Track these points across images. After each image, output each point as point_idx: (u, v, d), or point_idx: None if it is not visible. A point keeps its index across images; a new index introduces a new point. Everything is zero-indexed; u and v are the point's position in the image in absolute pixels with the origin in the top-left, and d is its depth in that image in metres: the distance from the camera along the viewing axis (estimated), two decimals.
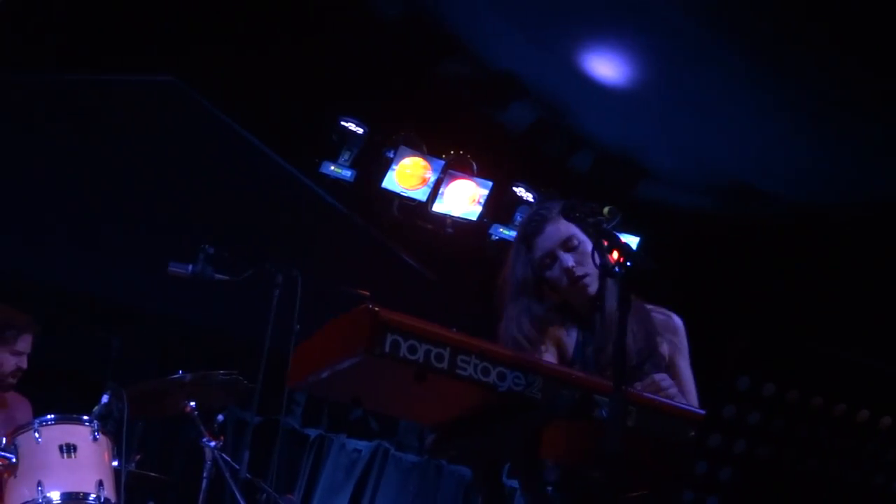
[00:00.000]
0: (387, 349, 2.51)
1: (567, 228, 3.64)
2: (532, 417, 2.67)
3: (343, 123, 7.24)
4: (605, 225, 3.02)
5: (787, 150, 7.13)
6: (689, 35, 6.36)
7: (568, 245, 3.64)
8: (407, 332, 2.54)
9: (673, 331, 3.73)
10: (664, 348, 3.69)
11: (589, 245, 3.48)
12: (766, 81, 6.58)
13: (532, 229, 3.72)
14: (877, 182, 7.14)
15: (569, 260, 3.61)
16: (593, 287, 3.60)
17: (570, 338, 3.61)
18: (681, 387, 3.55)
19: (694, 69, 6.70)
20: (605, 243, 2.86)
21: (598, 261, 2.88)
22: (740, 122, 7.06)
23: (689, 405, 2.87)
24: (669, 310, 3.79)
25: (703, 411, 2.74)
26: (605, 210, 3.11)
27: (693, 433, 2.75)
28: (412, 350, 2.54)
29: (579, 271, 3.59)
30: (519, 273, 3.69)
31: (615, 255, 2.81)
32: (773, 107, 6.79)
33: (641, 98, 7.10)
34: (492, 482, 2.92)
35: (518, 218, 7.48)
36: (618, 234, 2.93)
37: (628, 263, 2.71)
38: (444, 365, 2.56)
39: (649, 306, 3.75)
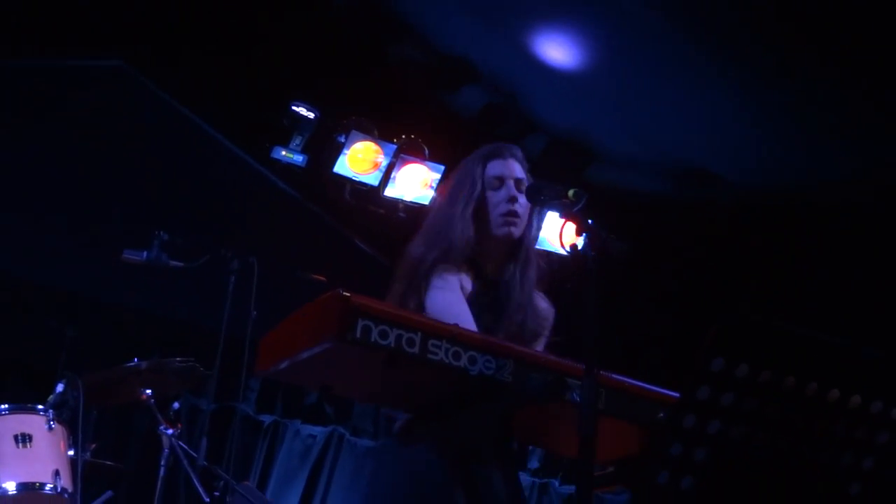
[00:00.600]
0: (358, 335, 2.50)
1: (522, 173, 3.70)
2: (503, 401, 2.66)
3: (294, 108, 7.18)
4: (572, 208, 3.02)
5: (738, 134, 7.16)
6: (641, 19, 6.36)
7: (519, 185, 3.67)
8: (378, 317, 2.53)
9: (546, 318, 3.73)
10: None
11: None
12: (718, 66, 6.60)
13: (494, 152, 3.75)
14: (827, 165, 7.21)
15: (516, 192, 3.64)
16: (517, 232, 3.64)
17: (467, 285, 3.59)
18: None
19: (646, 53, 6.71)
20: (575, 226, 2.85)
21: (563, 243, 2.87)
22: (692, 106, 7.09)
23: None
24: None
25: (673, 393, 2.75)
26: (571, 193, 3.10)
27: (661, 415, 2.76)
28: (383, 335, 2.53)
29: (519, 208, 3.61)
30: (468, 184, 3.69)
31: (583, 238, 2.79)
32: (724, 91, 6.82)
33: (593, 82, 7.10)
34: (463, 466, 2.91)
35: None
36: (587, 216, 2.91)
37: (600, 248, 2.71)
38: (416, 350, 2.56)
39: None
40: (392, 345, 2.53)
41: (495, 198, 3.65)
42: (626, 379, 2.80)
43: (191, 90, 6.83)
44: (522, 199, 3.65)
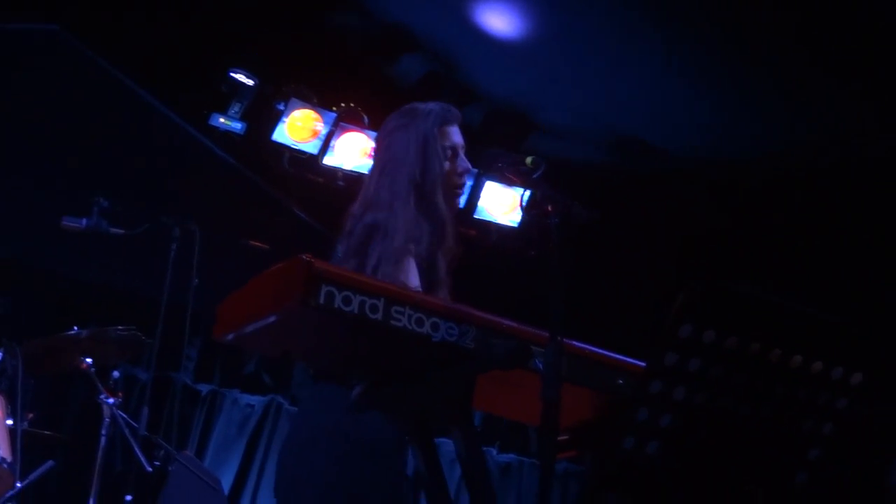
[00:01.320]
0: (321, 300, 2.46)
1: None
2: (466, 367, 2.65)
3: (233, 75, 7.09)
4: (531, 176, 3.01)
5: (676, 103, 7.21)
6: None
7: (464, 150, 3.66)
8: (342, 283, 2.49)
9: None
10: None
11: None
12: (658, 36, 6.63)
13: (449, 117, 3.68)
14: (766, 135, 7.28)
15: (466, 162, 3.61)
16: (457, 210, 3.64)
17: None
18: None
19: (586, 23, 6.72)
20: (537, 194, 2.83)
21: (525, 212, 2.86)
22: (631, 76, 7.11)
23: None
24: None
25: (637, 361, 2.75)
26: (529, 160, 3.08)
27: (621, 382, 2.77)
28: (347, 301, 2.49)
29: (466, 178, 3.58)
30: (439, 158, 3.60)
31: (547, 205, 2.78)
32: (663, 62, 6.85)
33: (533, 51, 7.09)
34: (422, 434, 2.90)
35: None
36: (547, 184, 2.90)
37: (564, 214, 2.70)
38: (379, 316, 2.53)
39: None
40: (356, 311, 2.50)
41: (450, 170, 3.62)
42: (586, 346, 2.80)
43: (128, 56, 6.71)
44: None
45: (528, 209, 2.86)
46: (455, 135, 3.66)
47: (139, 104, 6.81)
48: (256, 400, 8.81)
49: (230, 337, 2.74)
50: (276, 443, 8.72)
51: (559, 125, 7.78)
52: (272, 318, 2.56)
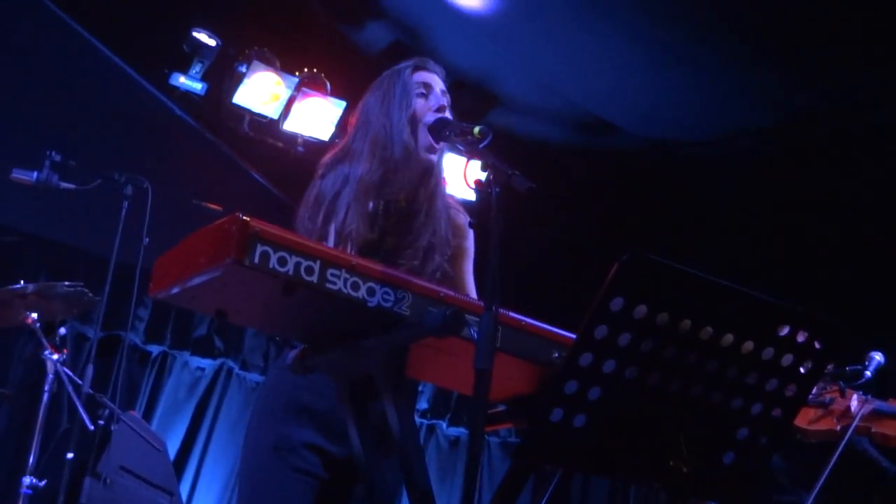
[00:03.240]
0: (256, 260, 2.45)
1: (444, 86, 3.67)
2: (400, 333, 2.64)
3: (195, 35, 7.03)
4: (477, 145, 3.00)
5: (638, 84, 7.22)
6: None
7: (442, 94, 3.65)
8: (277, 243, 2.48)
9: (465, 235, 3.71)
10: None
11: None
12: (621, 15, 6.63)
13: (420, 64, 3.70)
14: (724, 117, 7.31)
15: (439, 98, 3.61)
16: (435, 159, 3.60)
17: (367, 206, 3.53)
18: (463, 289, 3.59)
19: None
20: (480, 162, 2.83)
21: (467, 180, 2.85)
22: (593, 54, 7.11)
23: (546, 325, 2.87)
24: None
25: (570, 334, 2.75)
26: (476, 130, 3.09)
27: (556, 354, 2.77)
28: (282, 262, 2.48)
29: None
30: (401, 90, 3.60)
31: (487, 174, 2.77)
32: (625, 40, 6.86)
33: (498, 25, 7.09)
34: (355, 398, 2.89)
35: None
36: (493, 155, 2.89)
37: (504, 184, 2.70)
38: (314, 278, 2.52)
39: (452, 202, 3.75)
40: (290, 272, 2.48)
41: (423, 106, 3.60)
42: (523, 318, 2.80)
43: (89, 11, 6.64)
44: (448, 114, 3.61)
45: (469, 179, 2.83)
46: (427, 76, 3.66)
47: (98, 59, 6.75)
48: (207, 363, 8.77)
49: (165, 294, 2.72)
50: (226, 407, 8.71)
51: (521, 100, 7.77)
52: (207, 276, 2.54)
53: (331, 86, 7.45)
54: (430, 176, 3.60)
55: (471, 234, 3.70)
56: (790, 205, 7.54)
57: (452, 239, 3.62)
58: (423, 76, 3.66)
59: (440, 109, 3.57)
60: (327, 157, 3.69)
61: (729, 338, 2.50)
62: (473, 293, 3.60)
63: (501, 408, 3.16)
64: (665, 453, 2.56)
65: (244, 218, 2.46)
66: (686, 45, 6.68)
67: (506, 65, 7.57)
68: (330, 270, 2.54)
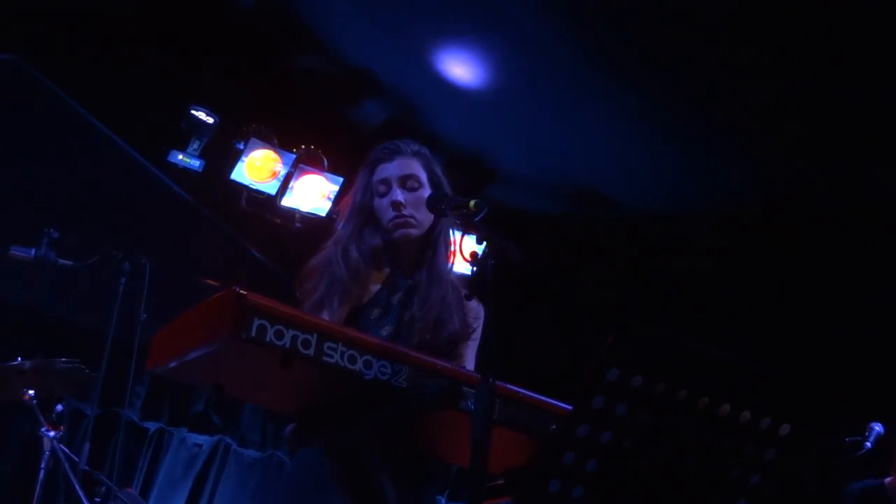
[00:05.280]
0: (253, 333, 2.45)
1: (413, 168, 3.66)
2: (397, 407, 2.64)
3: (193, 112, 7.10)
4: (473, 218, 3.02)
5: (632, 157, 7.28)
6: (544, 43, 6.44)
7: (406, 182, 3.64)
8: (274, 316, 2.48)
9: (476, 317, 3.68)
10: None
11: (426, 193, 3.56)
12: (615, 91, 6.71)
13: (381, 155, 3.70)
14: (717, 191, 7.36)
15: (399, 195, 3.60)
16: (416, 232, 3.61)
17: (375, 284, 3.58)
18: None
19: (547, 77, 6.79)
20: (476, 236, 2.85)
21: (462, 254, 2.87)
22: (589, 129, 7.19)
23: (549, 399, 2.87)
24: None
25: (567, 406, 2.75)
26: (472, 203, 3.10)
27: (554, 426, 2.76)
28: (279, 335, 2.48)
29: (406, 210, 3.58)
30: (358, 197, 3.66)
31: (484, 247, 2.79)
32: (621, 116, 6.93)
33: (495, 101, 7.16)
34: (354, 474, 2.88)
35: None
36: (488, 228, 2.91)
37: (500, 256, 2.71)
38: (311, 351, 2.52)
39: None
40: (287, 345, 2.49)
41: (381, 205, 3.63)
42: (520, 389, 2.80)
43: (89, 89, 6.69)
44: (416, 195, 3.62)
45: (465, 252, 2.85)
46: (385, 170, 3.66)
47: (98, 137, 6.78)
48: (204, 440, 8.74)
49: (163, 368, 2.72)
50: (223, 483, 8.65)
51: (518, 175, 7.82)
52: (204, 351, 2.55)
53: (328, 162, 7.50)
54: (426, 250, 3.64)
55: (482, 318, 3.65)
56: (790, 276, 7.56)
57: (473, 322, 3.62)
58: (383, 171, 3.66)
59: (395, 206, 3.59)
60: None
61: (726, 408, 2.50)
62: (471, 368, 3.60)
63: (500, 481, 3.15)
64: None
65: (241, 291, 2.47)
66: (683, 122, 6.75)
67: (503, 139, 7.63)
68: (327, 343, 2.54)
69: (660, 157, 7.13)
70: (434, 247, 3.65)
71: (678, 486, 2.55)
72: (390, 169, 3.65)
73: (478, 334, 3.66)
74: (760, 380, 2.53)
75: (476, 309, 3.66)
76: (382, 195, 3.62)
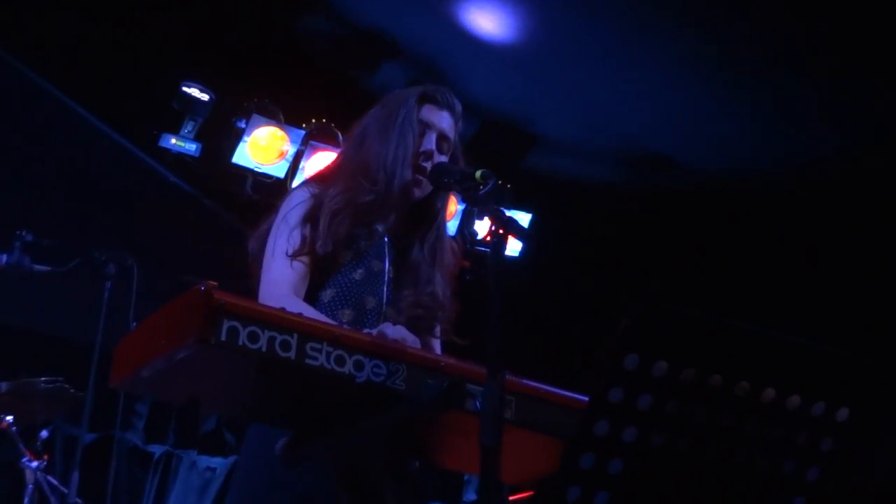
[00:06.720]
0: (223, 337, 2.44)
1: (453, 132, 3.73)
2: (395, 412, 2.63)
3: (185, 89, 7.12)
4: (478, 191, 3.02)
5: (691, 115, 7.24)
6: None
7: (442, 143, 3.70)
8: (246, 316, 2.47)
9: (444, 306, 3.70)
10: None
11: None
12: (668, 43, 6.65)
13: (436, 95, 3.75)
14: (784, 150, 7.30)
15: (432, 143, 3.66)
16: (418, 194, 3.66)
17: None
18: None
19: (591, 21, 6.71)
20: (479, 212, 2.84)
21: (466, 231, 2.87)
22: (642, 86, 7.13)
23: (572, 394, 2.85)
24: None
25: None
26: (478, 174, 3.09)
27: None
28: (253, 338, 2.47)
29: (427, 164, 3.63)
30: (402, 113, 3.67)
31: (489, 224, 2.78)
32: (677, 70, 6.87)
33: (531, 56, 7.13)
34: (352, 489, 2.89)
35: None
36: (493, 201, 2.91)
37: (505, 234, 2.70)
38: (292, 354, 2.50)
39: None
40: (264, 349, 2.48)
41: (414, 147, 3.67)
42: (541, 385, 2.78)
43: (66, 70, 6.74)
44: (440, 158, 3.67)
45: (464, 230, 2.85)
46: (431, 113, 3.71)
47: (77, 123, 6.83)
48: (218, 462, 8.78)
49: (128, 382, 2.73)
50: None
51: (563, 139, 7.80)
52: (170, 359, 2.53)
53: (342, 136, 7.50)
54: (425, 221, 3.68)
55: (449, 310, 3.70)
56: (866, 244, 7.49)
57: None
58: (427, 113, 3.71)
59: (426, 155, 3.61)
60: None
61: (770, 392, 2.47)
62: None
63: (529, 492, 3.14)
64: None
65: (206, 289, 2.46)
66: (746, 77, 6.70)
67: (543, 99, 7.60)
68: (310, 344, 2.53)
69: (723, 112, 7.08)
70: (435, 223, 3.71)
71: (721, 487, 2.53)
72: (438, 118, 3.72)
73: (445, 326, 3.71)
74: (810, 357, 2.49)
75: (447, 298, 3.69)
76: (419, 135, 3.67)
